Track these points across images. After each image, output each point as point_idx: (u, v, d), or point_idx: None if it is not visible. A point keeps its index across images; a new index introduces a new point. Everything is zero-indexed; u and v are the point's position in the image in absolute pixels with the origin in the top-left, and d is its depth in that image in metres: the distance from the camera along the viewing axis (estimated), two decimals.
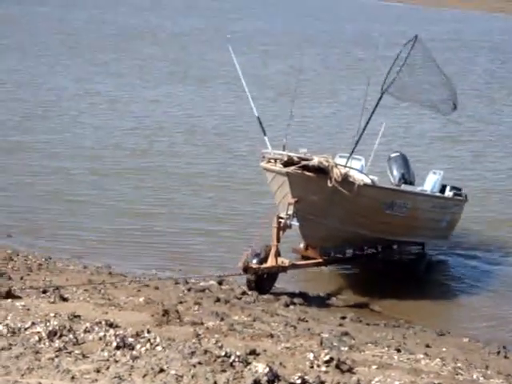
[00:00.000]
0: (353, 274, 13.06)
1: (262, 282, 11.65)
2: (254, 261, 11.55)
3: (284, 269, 11.69)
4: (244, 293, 11.33)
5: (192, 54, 36.77)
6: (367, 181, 11.64)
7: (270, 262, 11.52)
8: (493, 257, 13.82)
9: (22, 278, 10.39)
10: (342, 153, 12.66)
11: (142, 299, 9.42)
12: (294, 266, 11.89)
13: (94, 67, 32.08)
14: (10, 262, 11.91)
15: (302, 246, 12.61)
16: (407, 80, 12.01)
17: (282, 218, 11.32)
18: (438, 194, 13.19)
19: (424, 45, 12.15)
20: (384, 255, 12.94)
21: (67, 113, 24.04)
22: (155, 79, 30.28)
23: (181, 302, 9.87)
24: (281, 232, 11.44)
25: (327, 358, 6.50)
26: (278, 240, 11.47)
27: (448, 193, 13.40)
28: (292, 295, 11.47)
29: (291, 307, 10.70)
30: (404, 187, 12.78)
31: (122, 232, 14.49)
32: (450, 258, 13.80)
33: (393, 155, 13.60)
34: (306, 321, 9.73)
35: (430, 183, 13.31)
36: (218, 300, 10.50)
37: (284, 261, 11.64)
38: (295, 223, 11.44)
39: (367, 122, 11.50)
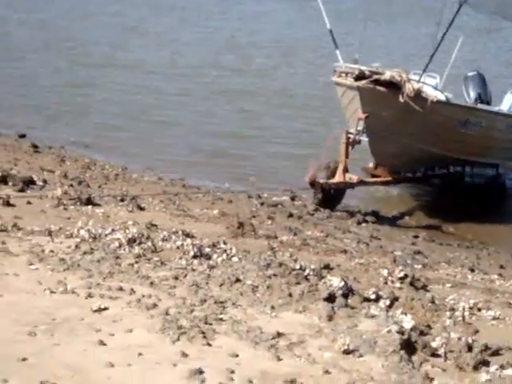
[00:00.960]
0: (425, 195, 12.95)
1: (329, 197, 11.58)
2: (321, 175, 11.46)
3: (352, 185, 11.59)
4: (316, 209, 11.38)
5: None
6: (441, 97, 11.37)
7: (338, 178, 11.42)
8: None
9: (99, 187, 10.64)
10: (416, 70, 12.36)
11: (216, 212, 9.56)
12: (362, 183, 11.76)
13: None
14: (88, 170, 12.20)
15: (371, 164, 12.49)
16: None
17: (350, 133, 11.16)
18: None
19: None
20: (456, 176, 12.76)
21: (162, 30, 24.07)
22: None
23: (254, 216, 9.97)
24: (349, 148, 11.30)
25: (401, 274, 6.52)
26: (347, 156, 11.35)
27: None
28: (364, 213, 11.47)
29: (363, 225, 10.72)
30: (479, 106, 12.46)
31: (198, 149, 14.62)
32: None
33: (469, 74, 13.28)
34: (379, 239, 9.74)
35: (507, 103, 12.99)
36: (290, 215, 10.58)
37: (352, 177, 11.53)
38: (364, 139, 11.28)
39: (443, 35, 11.10)
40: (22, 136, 14.44)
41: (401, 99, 10.60)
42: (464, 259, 9.04)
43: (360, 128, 11.06)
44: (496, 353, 5.18)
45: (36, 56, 20.88)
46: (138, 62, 20.30)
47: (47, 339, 4.92)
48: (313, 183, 11.36)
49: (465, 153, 11.87)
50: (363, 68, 10.95)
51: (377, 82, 10.73)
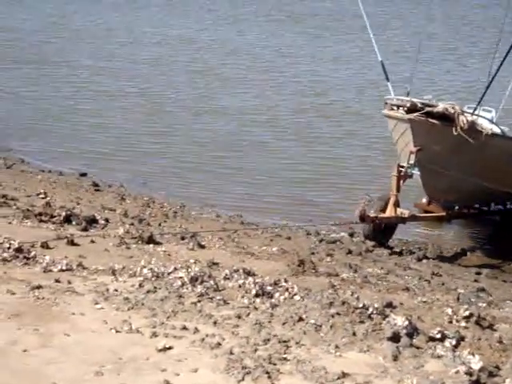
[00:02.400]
0: (485, 231, 12.73)
1: (380, 233, 11.37)
2: (372, 210, 11.24)
3: (403, 220, 11.33)
4: (376, 245, 11.29)
5: None
6: (496, 130, 11.12)
7: (389, 212, 11.21)
8: None
9: (159, 225, 10.74)
10: (471, 104, 12.20)
11: (275, 249, 9.57)
12: (414, 218, 11.52)
13: None
14: (148, 208, 12.33)
15: (424, 200, 12.24)
16: None
17: (402, 166, 11.00)
18: None
19: None
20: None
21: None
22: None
23: (313, 253, 9.96)
24: (401, 181, 11.10)
25: (466, 313, 6.42)
26: (398, 190, 11.14)
27: None
28: (424, 249, 11.33)
29: (424, 261, 10.60)
30: None
31: (251, 183, 14.68)
32: None
33: None
34: (440, 275, 9.62)
35: None
36: (349, 252, 10.53)
37: (403, 211, 11.28)
38: (416, 172, 11.07)
39: (498, 68, 10.88)
40: (83, 175, 14.70)
41: (454, 132, 10.39)
42: None
43: (412, 162, 10.87)
44: None
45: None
46: (226, 108, 20.38)
47: (114, 379, 4.97)
48: (363, 217, 11.13)
49: None
50: (415, 100, 10.78)
51: (429, 114, 10.56)
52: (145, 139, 17.14)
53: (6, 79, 22.01)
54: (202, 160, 15.88)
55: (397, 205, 11.26)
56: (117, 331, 5.66)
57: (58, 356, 5.21)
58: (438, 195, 11.57)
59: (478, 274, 10.16)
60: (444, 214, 11.85)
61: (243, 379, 5.03)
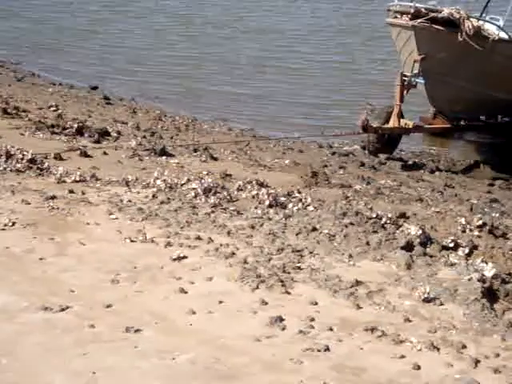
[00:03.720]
0: (497, 143, 12.61)
1: (383, 145, 11.14)
2: (374, 120, 10.98)
3: (407, 131, 11.08)
4: (389, 158, 11.24)
5: None
6: (503, 36, 10.69)
7: (392, 123, 10.94)
8: None
9: (171, 138, 10.72)
10: (476, 13, 11.57)
11: (287, 161, 9.55)
12: (418, 129, 11.26)
13: None
14: (160, 122, 12.28)
15: (429, 114, 11.92)
16: None
17: (405, 75, 10.67)
18: None
19: None
20: None
21: None
22: None
23: (326, 166, 9.93)
24: (404, 91, 10.80)
25: (480, 222, 6.42)
26: (401, 100, 10.83)
27: None
28: (437, 161, 11.29)
29: (437, 173, 10.57)
30: None
31: (264, 91, 14.58)
32: None
33: None
34: (453, 187, 9.60)
35: None
36: (362, 164, 10.50)
37: (407, 122, 11.00)
38: (420, 81, 10.73)
39: None
40: (94, 88, 14.60)
41: (459, 38, 10.00)
42: None
43: (416, 71, 10.50)
44: None
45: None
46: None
47: (130, 286, 5.03)
48: (365, 128, 10.85)
49: None
50: (419, 5, 10.31)
51: (433, 20, 10.13)
52: (161, 59, 17.00)
53: None
54: (217, 78, 15.76)
55: (400, 115, 10.97)
56: (131, 241, 5.70)
57: (74, 264, 5.26)
58: (443, 105, 11.26)
59: (491, 185, 10.13)
60: (449, 125, 11.55)
61: (258, 287, 5.08)
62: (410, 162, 11.16)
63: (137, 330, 4.45)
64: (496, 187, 9.98)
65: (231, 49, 17.61)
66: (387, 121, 11.15)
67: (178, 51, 17.48)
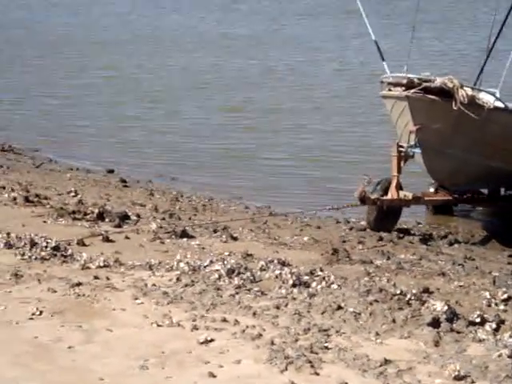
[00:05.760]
0: None
1: (384, 218, 10.86)
2: (373, 192, 10.75)
3: (407, 203, 10.83)
4: (406, 231, 11.25)
5: None
6: (499, 105, 10.52)
7: (391, 195, 10.73)
8: None
9: (190, 218, 10.80)
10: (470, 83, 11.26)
11: (306, 238, 9.59)
12: (418, 201, 10.94)
13: None
14: (177, 202, 12.40)
15: (431, 189, 11.54)
16: None
17: (402, 146, 10.49)
18: None
19: None
20: None
21: None
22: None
23: (344, 241, 9.96)
24: (401, 162, 10.60)
25: (505, 296, 6.43)
26: (399, 171, 10.62)
27: None
28: (455, 233, 11.29)
29: (456, 245, 10.54)
30: None
31: (278, 172, 14.72)
32: None
33: None
34: (473, 259, 9.58)
35: None
36: (380, 239, 10.49)
37: (407, 194, 10.76)
38: (417, 151, 10.46)
39: (496, 37, 10.41)
40: (111, 171, 14.79)
41: (454, 107, 9.86)
42: None
43: (412, 142, 10.29)
44: None
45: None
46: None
47: (159, 372, 5.04)
48: (363, 199, 10.59)
49: None
50: (411, 76, 10.22)
51: (427, 90, 10.01)
52: (168, 137, 17.28)
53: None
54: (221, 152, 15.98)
55: (399, 187, 10.77)
56: (158, 325, 5.73)
57: (103, 351, 5.28)
58: (442, 177, 10.94)
59: (511, 256, 10.11)
60: (450, 197, 11.27)
61: (286, 369, 5.08)
62: (428, 235, 11.17)
63: None
64: None
65: (233, 138, 17.72)
66: (386, 192, 10.93)
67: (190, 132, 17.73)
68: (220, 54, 24.84)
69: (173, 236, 8.49)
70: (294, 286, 6.54)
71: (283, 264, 7.23)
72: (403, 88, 10.23)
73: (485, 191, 11.74)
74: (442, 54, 22.18)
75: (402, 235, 10.98)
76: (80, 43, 26.94)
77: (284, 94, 19.99)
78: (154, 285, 6.56)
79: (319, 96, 19.67)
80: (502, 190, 11.82)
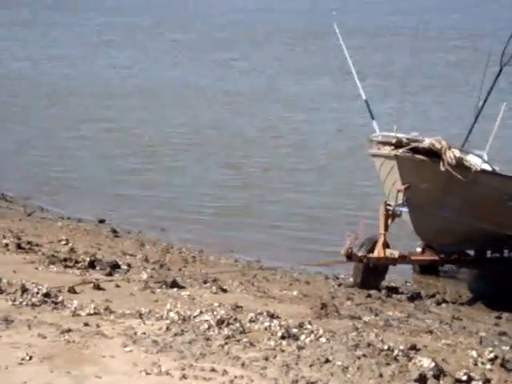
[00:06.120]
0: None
1: (370, 276, 10.92)
2: (359, 249, 10.79)
3: (393, 261, 10.90)
4: (394, 290, 11.32)
5: None
6: (486, 167, 10.70)
7: (378, 253, 10.78)
8: None
9: (180, 270, 10.86)
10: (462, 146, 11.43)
11: (295, 293, 9.66)
12: (404, 259, 10.99)
13: None
14: (167, 254, 12.47)
15: (418, 249, 11.53)
16: None
17: (389, 205, 10.60)
18: None
19: None
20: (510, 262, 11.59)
21: None
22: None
23: (333, 297, 10.02)
24: (389, 220, 10.68)
25: (491, 355, 6.48)
26: (386, 229, 10.70)
27: None
28: (443, 293, 11.37)
29: (443, 305, 10.63)
30: None
31: (270, 228, 14.80)
32: None
33: None
34: (461, 319, 9.66)
35: None
36: (369, 296, 10.57)
37: (393, 252, 10.84)
38: (405, 210, 10.59)
39: (484, 101, 10.60)
40: (102, 221, 14.87)
41: (442, 168, 10.01)
42: None
43: (400, 200, 10.40)
44: None
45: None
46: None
47: None
48: (350, 256, 10.66)
49: None
50: (400, 136, 10.38)
51: (415, 150, 10.18)
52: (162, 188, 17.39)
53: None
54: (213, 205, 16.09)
55: (385, 245, 10.85)
56: (147, 373, 5.76)
57: None
58: (429, 236, 11.03)
59: (498, 317, 10.17)
60: (436, 258, 11.28)
61: None
62: (416, 294, 11.24)
63: None
64: (503, 319, 10.03)
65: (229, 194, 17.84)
66: (372, 249, 10.97)
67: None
68: (220, 111, 25.17)
69: (163, 286, 8.55)
70: (282, 338, 6.59)
71: (272, 316, 7.28)
72: (392, 147, 10.37)
73: (471, 252, 11.77)
74: (441, 117, 22.52)
75: (390, 293, 11.06)
76: (81, 95, 27.22)
77: (284, 152, 20.22)
78: (143, 333, 6.60)
79: (318, 156, 19.87)
80: (489, 252, 11.86)
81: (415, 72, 25.87)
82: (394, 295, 11.00)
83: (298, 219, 15.21)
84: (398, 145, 10.29)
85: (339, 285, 11.30)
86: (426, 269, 12.18)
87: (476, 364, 6.44)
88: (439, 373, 5.85)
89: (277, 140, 21.41)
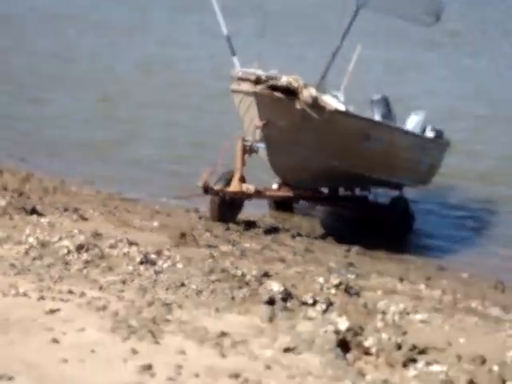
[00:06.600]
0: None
1: (226, 209, 11.12)
2: (217, 183, 10.91)
3: (249, 196, 11.09)
4: (252, 224, 11.71)
5: None
6: (341, 107, 10.96)
7: (234, 187, 10.90)
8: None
9: (40, 199, 10.80)
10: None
11: (156, 223, 9.87)
12: (259, 194, 11.17)
13: None
14: (27, 183, 12.33)
15: (274, 186, 11.74)
16: None
17: (246, 140, 10.75)
18: (418, 133, 12.43)
19: None
20: (361, 200, 12.13)
21: None
22: None
23: (193, 229, 10.29)
24: (245, 155, 10.82)
25: (336, 281, 6.93)
26: (243, 164, 10.83)
27: (429, 134, 12.56)
28: (298, 227, 11.85)
29: (298, 238, 11.09)
30: (380, 120, 11.99)
31: (134, 162, 14.86)
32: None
33: (375, 98, 12.64)
34: (313, 251, 10.16)
35: (410, 123, 12.54)
36: (228, 229, 10.90)
37: (249, 187, 10.96)
38: (262, 146, 10.79)
39: (341, 42, 10.76)
40: None
41: (298, 106, 10.17)
42: (393, 270, 9.53)
43: (257, 137, 10.55)
44: (423, 352, 5.63)
45: None
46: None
47: (2, 337, 5.16)
48: (206, 189, 10.76)
49: (368, 168, 11.34)
50: (260, 72, 10.46)
51: (274, 87, 10.27)
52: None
53: None
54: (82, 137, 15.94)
55: (242, 180, 10.97)
56: (4, 295, 5.83)
57: None
58: (285, 173, 11.17)
59: (348, 251, 10.74)
60: (291, 194, 11.48)
61: (129, 337, 5.34)
62: (273, 228, 11.68)
63: (10, 378, 4.60)
64: (352, 252, 10.61)
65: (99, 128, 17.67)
66: (229, 184, 11.09)
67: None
68: (92, 43, 24.66)
69: (22, 212, 8.53)
70: (141, 263, 6.80)
71: (132, 243, 7.47)
72: (251, 83, 10.45)
73: (325, 190, 12.12)
74: (308, 58, 22.77)
75: (248, 227, 11.44)
76: None
77: (159, 89, 20.04)
78: (1, 257, 6.63)
79: (193, 94, 19.82)
80: (342, 190, 12.33)
81: (290, 12, 26.29)
82: (251, 229, 11.39)
83: (166, 155, 15.33)
84: (257, 81, 10.38)
85: (200, 217, 11.54)
86: (282, 205, 12.60)
87: (322, 289, 6.87)
88: (287, 296, 6.24)
89: (151, 76, 21.27)
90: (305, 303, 6.25)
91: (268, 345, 5.43)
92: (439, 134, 12.85)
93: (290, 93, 10.34)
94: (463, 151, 15.26)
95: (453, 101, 19.29)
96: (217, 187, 10.99)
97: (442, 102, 18.90)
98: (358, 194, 12.36)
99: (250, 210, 12.19)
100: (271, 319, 5.86)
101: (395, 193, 12.45)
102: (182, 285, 6.32)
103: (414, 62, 22.14)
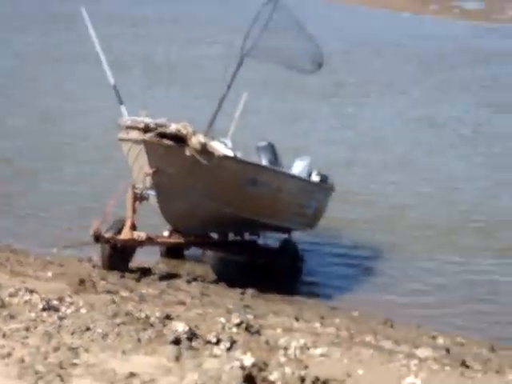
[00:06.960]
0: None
1: (117, 257, 11.14)
2: (108, 231, 10.94)
3: (140, 243, 11.18)
4: (147, 270, 11.77)
5: None
6: (229, 153, 11.20)
7: (125, 235, 10.98)
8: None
9: None
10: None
11: (50, 274, 9.81)
12: (151, 241, 11.29)
13: None
14: None
15: (165, 232, 11.84)
16: (268, 42, 11.77)
17: (137, 188, 10.85)
18: (304, 177, 12.78)
19: (286, 6, 11.92)
20: (249, 244, 12.35)
21: None
22: None
23: (89, 277, 10.26)
24: (136, 203, 10.91)
25: (237, 321, 7.15)
26: (134, 211, 10.94)
27: (315, 178, 12.95)
28: (193, 273, 11.99)
29: (193, 283, 11.22)
30: (267, 165, 12.32)
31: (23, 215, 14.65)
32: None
33: (260, 144, 12.99)
34: (209, 295, 10.32)
35: (296, 169, 12.89)
36: (123, 276, 10.93)
37: (140, 234, 11.09)
38: (152, 193, 10.87)
39: (227, 90, 11.12)
40: None
41: (187, 153, 10.38)
42: (289, 311, 9.81)
43: (148, 184, 10.66)
44: (324, 383, 5.90)
45: None
46: None
47: None
48: (97, 237, 10.74)
49: (256, 213, 11.55)
50: (148, 120, 10.59)
51: (163, 135, 10.44)
52: None
53: None
54: None
55: (133, 227, 11.07)
56: None
57: None
58: (175, 220, 11.28)
59: (243, 293, 10.97)
60: (182, 240, 11.63)
61: (36, 383, 5.35)
62: (168, 274, 11.77)
63: None
64: (247, 295, 10.84)
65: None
66: (120, 231, 11.14)
67: None
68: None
69: None
70: (43, 309, 6.80)
71: (32, 291, 7.44)
72: (140, 132, 10.55)
73: (215, 236, 12.26)
74: (194, 106, 23.01)
75: (143, 274, 11.49)
76: None
77: (59, 142, 19.60)
78: None
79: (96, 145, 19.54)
80: (232, 235, 12.47)
81: (177, 64, 26.56)
82: (146, 276, 11.44)
83: (56, 208, 15.15)
84: (146, 129, 10.50)
85: (93, 266, 11.48)
86: (173, 251, 12.65)
87: (224, 328, 7.06)
88: (192, 336, 6.39)
89: (50, 129, 20.96)
90: (209, 342, 6.42)
91: (176, 383, 5.56)
92: (324, 179, 13.25)
93: (179, 140, 10.52)
94: (354, 199, 15.83)
95: (342, 149, 19.89)
96: (108, 235, 10.98)
97: (332, 150, 19.49)
98: (247, 239, 12.56)
99: (144, 257, 12.28)
100: (178, 358, 5.99)
101: (284, 236, 12.81)
102: (88, 329, 6.36)
103: (305, 112, 22.87)
